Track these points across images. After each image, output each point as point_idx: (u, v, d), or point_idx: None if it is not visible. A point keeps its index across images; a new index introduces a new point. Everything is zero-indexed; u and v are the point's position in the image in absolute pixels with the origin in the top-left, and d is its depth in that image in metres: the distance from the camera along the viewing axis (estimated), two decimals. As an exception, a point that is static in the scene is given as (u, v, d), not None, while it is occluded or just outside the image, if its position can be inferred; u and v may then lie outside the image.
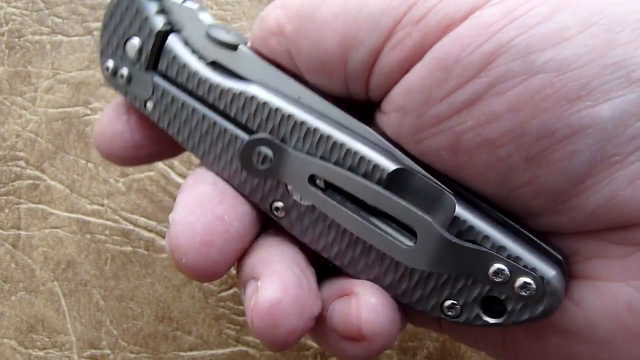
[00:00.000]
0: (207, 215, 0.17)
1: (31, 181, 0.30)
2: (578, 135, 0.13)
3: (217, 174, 0.18)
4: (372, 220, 0.16)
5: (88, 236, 0.30)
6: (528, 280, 0.14)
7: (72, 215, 0.30)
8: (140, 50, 0.18)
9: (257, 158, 0.17)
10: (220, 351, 0.28)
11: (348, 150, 0.16)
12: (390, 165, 0.15)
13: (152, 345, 0.29)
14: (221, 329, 0.29)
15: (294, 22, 0.16)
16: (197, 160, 0.30)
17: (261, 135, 0.17)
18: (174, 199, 0.29)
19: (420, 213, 0.15)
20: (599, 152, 0.13)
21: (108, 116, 0.20)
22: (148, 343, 0.29)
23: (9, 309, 0.29)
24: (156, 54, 0.18)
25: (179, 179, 0.30)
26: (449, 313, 0.16)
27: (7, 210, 0.30)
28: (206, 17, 0.18)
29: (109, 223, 0.30)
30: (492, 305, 0.16)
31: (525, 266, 0.15)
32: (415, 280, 0.16)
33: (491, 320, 0.15)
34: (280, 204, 0.17)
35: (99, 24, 0.32)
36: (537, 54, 0.13)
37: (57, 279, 0.29)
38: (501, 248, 0.15)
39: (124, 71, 0.19)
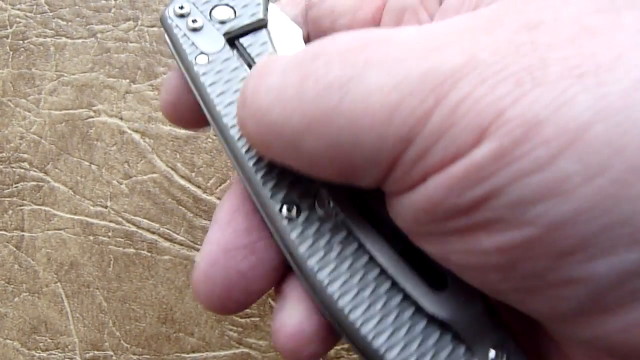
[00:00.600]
0: (230, 270, 0.17)
1: (35, 183, 0.30)
2: (568, 286, 0.12)
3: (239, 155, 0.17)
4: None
5: (91, 238, 0.30)
6: None
7: (76, 217, 0.30)
8: (229, 20, 0.19)
9: None
10: (222, 353, 0.28)
11: None
12: None
13: (154, 347, 0.29)
14: (223, 331, 0.29)
15: (278, 144, 0.14)
16: (199, 162, 0.30)
17: None
18: (177, 201, 0.30)
19: None
20: (590, 303, 0.12)
21: (176, 88, 0.20)
22: (150, 344, 0.29)
23: (12, 310, 0.29)
24: (246, 32, 0.19)
25: (182, 181, 0.30)
26: None
27: (10, 211, 0.30)
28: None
29: (112, 225, 0.30)
30: None
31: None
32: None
33: None
34: (295, 206, 0.16)
35: (102, 27, 0.33)
36: (529, 206, 0.11)
37: (60, 281, 0.29)
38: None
39: (198, 22, 0.19)
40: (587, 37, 0.12)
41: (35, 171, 0.31)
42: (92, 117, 0.31)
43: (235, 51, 0.19)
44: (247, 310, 0.29)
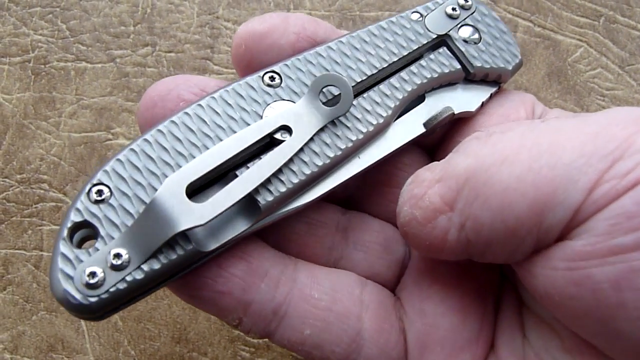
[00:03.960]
0: None
1: (54, 203, 0.31)
2: None
3: None
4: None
5: (108, 258, 0.30)
6: None
7: (93, 237, 0.31)
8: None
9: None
10: (234, 373, 0.29)
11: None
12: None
13: (168, 366, 0.29)
14: (236, 351, 0.29)
15: (467, 194, 0.16)
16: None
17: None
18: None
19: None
20: None
21: None
22: (164, 364, 0.29)
23: (30, 328, 0.30)
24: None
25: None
26: None
27: (30, 231, 0.31)
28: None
29: (128, 245, 0.31)
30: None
31: None
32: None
33: None
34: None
35: (121, 52, 0.34)
36: None
37: (77, 300, 0.30)
38: None
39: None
40: None
41: (54, 192, 0.31)
42: (110, 139, 0.32)
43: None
44: (260, 331, 0.29)
